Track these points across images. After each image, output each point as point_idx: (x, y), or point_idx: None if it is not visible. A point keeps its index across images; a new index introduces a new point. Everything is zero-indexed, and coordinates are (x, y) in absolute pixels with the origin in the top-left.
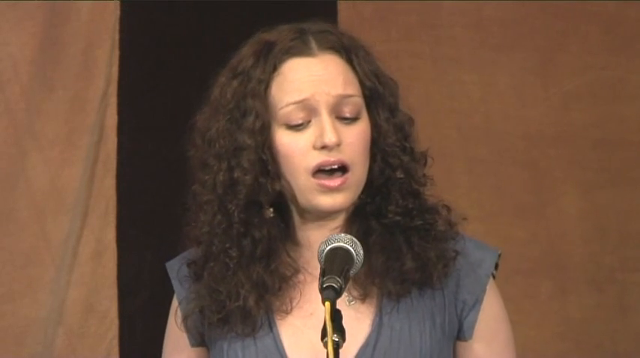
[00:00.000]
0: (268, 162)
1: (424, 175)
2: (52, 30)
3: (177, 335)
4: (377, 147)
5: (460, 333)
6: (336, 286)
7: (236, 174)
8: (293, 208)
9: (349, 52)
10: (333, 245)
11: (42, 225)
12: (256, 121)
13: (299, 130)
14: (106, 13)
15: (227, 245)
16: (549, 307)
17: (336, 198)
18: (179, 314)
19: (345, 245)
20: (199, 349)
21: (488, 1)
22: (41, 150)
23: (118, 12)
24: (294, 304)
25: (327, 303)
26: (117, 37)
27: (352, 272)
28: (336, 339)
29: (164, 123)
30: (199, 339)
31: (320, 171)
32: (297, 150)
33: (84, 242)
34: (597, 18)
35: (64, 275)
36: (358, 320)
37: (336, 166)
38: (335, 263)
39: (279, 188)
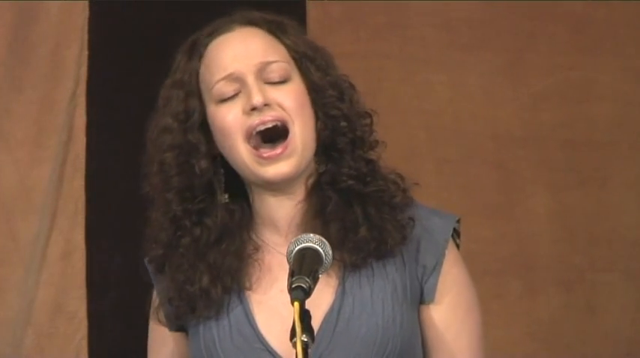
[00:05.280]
0: (199, 143)
1: (375, 140)
2: (20, 30)
3: (157, 329)
4: (317, 105)
5: (422, 297)
6: (304, 286)
7: (162, 156)
8: (250, 188)
9: (271, 24)
10: (302, 245)
11: (10, 226)
12: (179, 105)
13: (229, 102)
14: (75, 13)
15: (179, 233)
16: (518, 307)
17: (280, 166)
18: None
19: (313, 245)
20: (179, 334)
21: (457, 2)
22: (10, 150)
23: (86, 12)
24: (253, 280)
25: (296, 304)
26: (86, 37)
27: (321, 272)
28: (305, 340)
29: (133, 123)
30: (178, 325)
31: (262, 141)
32: (230, 120)
33: (53, 242)
34: (565, 18)
35: (33, 275)
36: (322, 290)
37: (270, 125)
38: (304, 263)
39: (205, 166)
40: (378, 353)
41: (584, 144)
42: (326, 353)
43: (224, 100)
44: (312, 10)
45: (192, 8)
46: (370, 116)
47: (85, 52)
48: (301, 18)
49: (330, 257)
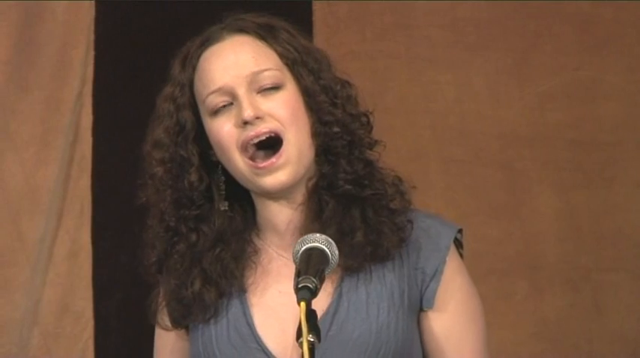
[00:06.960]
0: (192, 156)
1: (374, 140)
2: (26, 30)
3: (161, 333)
4: (311, 111)
5: (421, 303)
6: (311, 286)
7: (154, 170)
8: (252, 195)
9: (262, 29)
10: (308, 245)
11: (17, 226)
12: (170, 119)
13: (223, 114)
14: (81, 13)
15: (175, 238)
16: (524, 307)
17: (278, 175)
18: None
19: (320, 245)
20: (182, 331)
21: (463, 2)
22: (16, 150)
23: (93, 12)
24: (251, 282)
25: (303, 303)
26: (92, 37)
27: (327, 272)
28: (312, 339)
29: (139, 123)
30: (180, 324)
31: (257, 150)
32: (224, 133)
33: (59, 242)
34: (571, 18)
35: (40, 275)
36: (320, 292)
37: (264, 137)
38: (310, 263)
39: (195, 179)
40: (371, 357)
41: (591, 144)
42: (318, 355)
43: (217, 113)
44: (318, 11)
45: (198, 8)
46: (367, 116)
47: (92, 52)
48: (307, 18)
49: (337, 257)
